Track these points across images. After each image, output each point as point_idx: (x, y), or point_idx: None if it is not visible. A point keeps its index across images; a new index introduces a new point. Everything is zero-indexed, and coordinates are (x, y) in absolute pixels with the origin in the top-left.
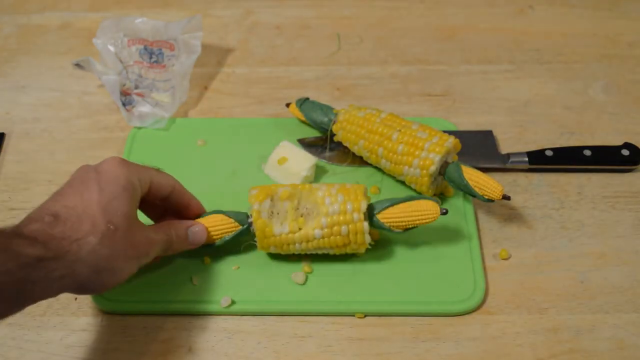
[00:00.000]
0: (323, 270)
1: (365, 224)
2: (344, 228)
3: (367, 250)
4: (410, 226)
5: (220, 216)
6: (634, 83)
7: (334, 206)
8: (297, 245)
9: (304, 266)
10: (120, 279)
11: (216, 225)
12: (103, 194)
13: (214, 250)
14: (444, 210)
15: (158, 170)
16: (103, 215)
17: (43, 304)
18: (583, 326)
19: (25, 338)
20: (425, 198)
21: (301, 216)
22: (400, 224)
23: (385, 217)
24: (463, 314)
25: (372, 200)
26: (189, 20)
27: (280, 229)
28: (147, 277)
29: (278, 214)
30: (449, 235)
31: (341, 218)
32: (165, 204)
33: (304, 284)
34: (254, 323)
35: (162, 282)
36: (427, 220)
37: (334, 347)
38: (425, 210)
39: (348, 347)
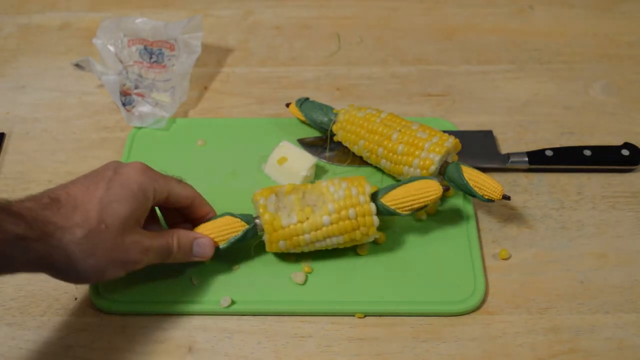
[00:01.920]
0: (323, 270)
1: (372, 205)
2: (351, 211)
3: (369, 248)
4: (416, 207)
5: (227, 218)
6: (634, 83)
7: (339, 192)
8: (306, 236)
9: (304, 266)
10: (100, 277)
11: (223, 228)
12: (108, 193)
13: (219, 253)
14: (446, 187)
15: (180, 181)
16: (99, 212)
17: (43, 304)
18: (583, 326)
19: (25, 338)
20: (425, 178)
21: (308, 206)
22: (405, 205)
23: (389, 200)
24: (463, 314)
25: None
26: (189, 20)
27: (288, 220)
28: (147, 277)
29: (285, 207)
30: (449, 235)
31: (348, 202)
32: (184, 213)
33: (304, 284)
34: (254, 323)
35: (162, 282)
36: (431, 198)
37: (334, 347)
38: (427, 188)
39: (348, 347)
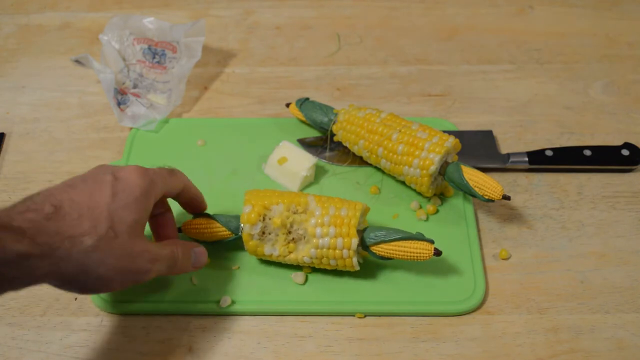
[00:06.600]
0: (323, 270)
1: (355, 260)
2: (332, 261)
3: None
4: (402, 259)
5: (212, 221)
6: (634, 83)
7: (325, 239)
8: (288, 262)
9: (304, 266)
10: (108, 287)
11: (214, 230)
12: (115, 199)
13: (209, 249)
14: (438, 252)
15: (171, 171)
16: (107, 220)
17: (43, 304)
18: (583, 326)
19: (25, 338)
20: (421, 238)
21: (292, 241)
22: (391, 256)
23: (377, 249)
24: (463, 314)
25: (373, 196)
26: (193, 24)
27: (271, 250)
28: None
29: (270, 234)
30: (449, 235)
31: (330, 252)
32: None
33: (304, 284)
34: (254, 323)
35: (162, 282)
36: (419, 259)
37: (334, 347)
38: (419, 250)
39: (348, 347)
